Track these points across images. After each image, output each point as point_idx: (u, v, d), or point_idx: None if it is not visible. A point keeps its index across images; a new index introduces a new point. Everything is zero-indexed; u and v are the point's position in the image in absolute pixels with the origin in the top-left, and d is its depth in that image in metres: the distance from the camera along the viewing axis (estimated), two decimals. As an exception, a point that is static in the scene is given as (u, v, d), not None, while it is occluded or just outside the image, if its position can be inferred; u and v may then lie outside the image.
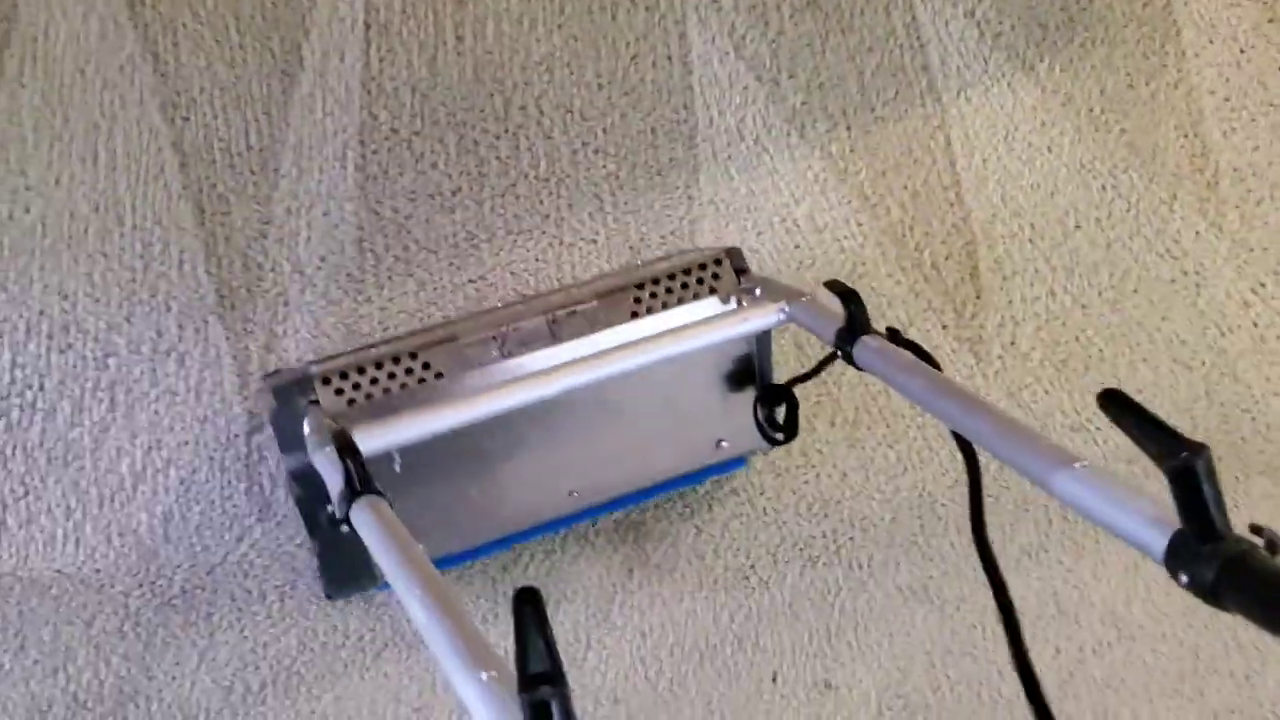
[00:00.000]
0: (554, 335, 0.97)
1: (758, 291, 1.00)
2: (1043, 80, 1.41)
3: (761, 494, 1.20)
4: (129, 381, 1.10)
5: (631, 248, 1.26)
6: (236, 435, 1.11)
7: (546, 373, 0.91)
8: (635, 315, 0.99)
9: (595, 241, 1.26)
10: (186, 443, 1.10)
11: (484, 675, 0.53)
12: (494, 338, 0.96)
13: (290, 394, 0.90)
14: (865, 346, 0.87)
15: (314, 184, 1.16)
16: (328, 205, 1.16)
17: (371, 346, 0.98)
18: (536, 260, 1.23)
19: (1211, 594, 0.58)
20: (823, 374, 1.00)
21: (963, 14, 1.38)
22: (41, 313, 1.10)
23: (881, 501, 1.24)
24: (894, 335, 0.86)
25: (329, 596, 1.03)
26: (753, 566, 1.17)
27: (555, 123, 1.27)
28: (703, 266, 1.01)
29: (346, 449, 0.78)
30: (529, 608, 0.50)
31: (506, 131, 1.25)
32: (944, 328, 1.36)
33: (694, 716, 1.07)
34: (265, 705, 1.04)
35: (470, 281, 1.19)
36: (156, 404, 1.11)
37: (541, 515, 1.03)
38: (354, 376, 0.91)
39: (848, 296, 0.89)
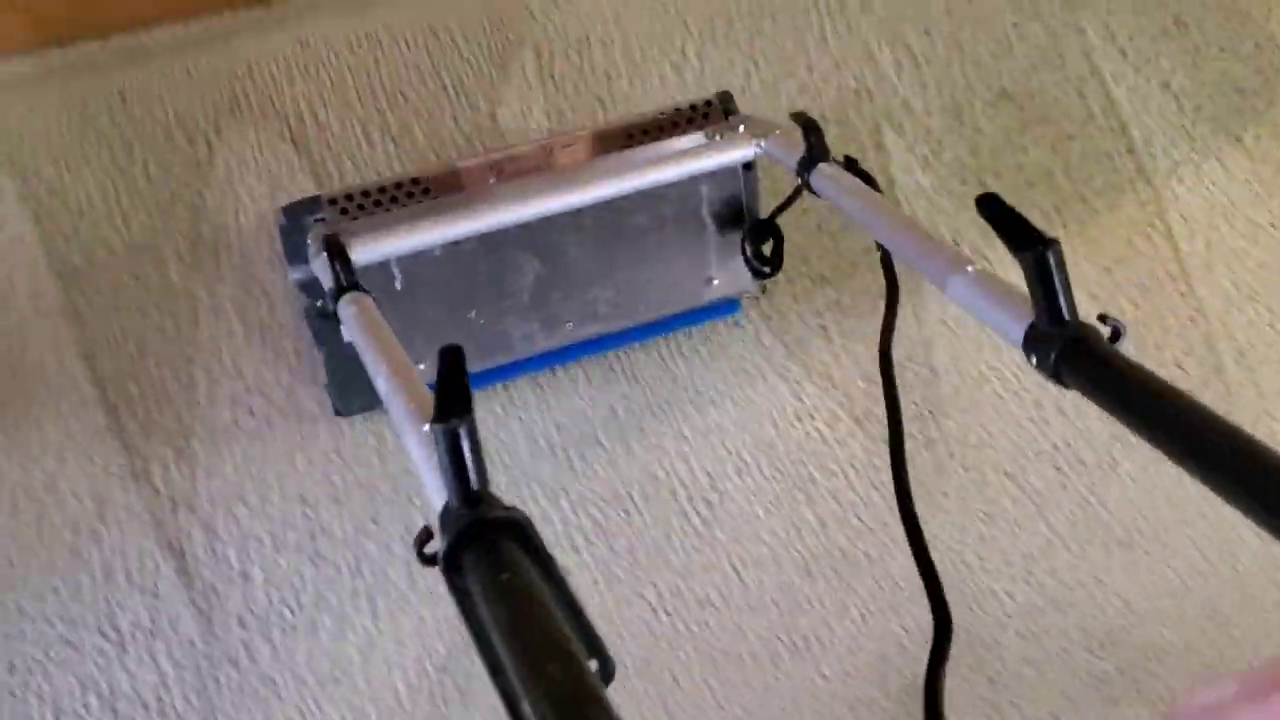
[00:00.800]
0: (549, 164, 1.00)
1: (741, 128, 1.03)
2: (1250, 149, 1.31)
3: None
4: (386, 587, 0.95)
5: (865, 378, 1.13)
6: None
7: (538, 190, 0.96)
8: (627, 148, 1.03)
9: (829, 376, 1.12)
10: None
11: (425, 427, 0.59)
12: (491, 166, 0.99)
13: (297, 212, 0.95)
14: (820, 173, 0.92)
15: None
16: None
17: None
18: (767, 407, 1.10)
19: (1055, 374, 0.65)
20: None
21: (1158, 88, 1.29)
22: (285, 523, 0.95)
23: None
24: (850, 163, 0.92)
25: (337, 412, 1.03)
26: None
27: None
28: (693, 108, 1.04)
29: (335, 251, 0.85)
30: (450, 359, 0.57)
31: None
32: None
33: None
34: None
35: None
36: (420, 609, 0.96)
37: (537, 344, 1.05)
38: (358, 199, 0.96)
39: (808, 127, 0.93)
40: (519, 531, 0.54)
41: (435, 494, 0.58)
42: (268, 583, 0.95)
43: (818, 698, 1.04)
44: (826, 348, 1.14)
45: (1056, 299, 0.64)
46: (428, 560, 0.56)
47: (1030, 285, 0.65)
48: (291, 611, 0.94)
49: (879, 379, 1.07)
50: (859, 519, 1.09)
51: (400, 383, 0.70)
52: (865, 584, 1.07)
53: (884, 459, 1.07)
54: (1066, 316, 0.65)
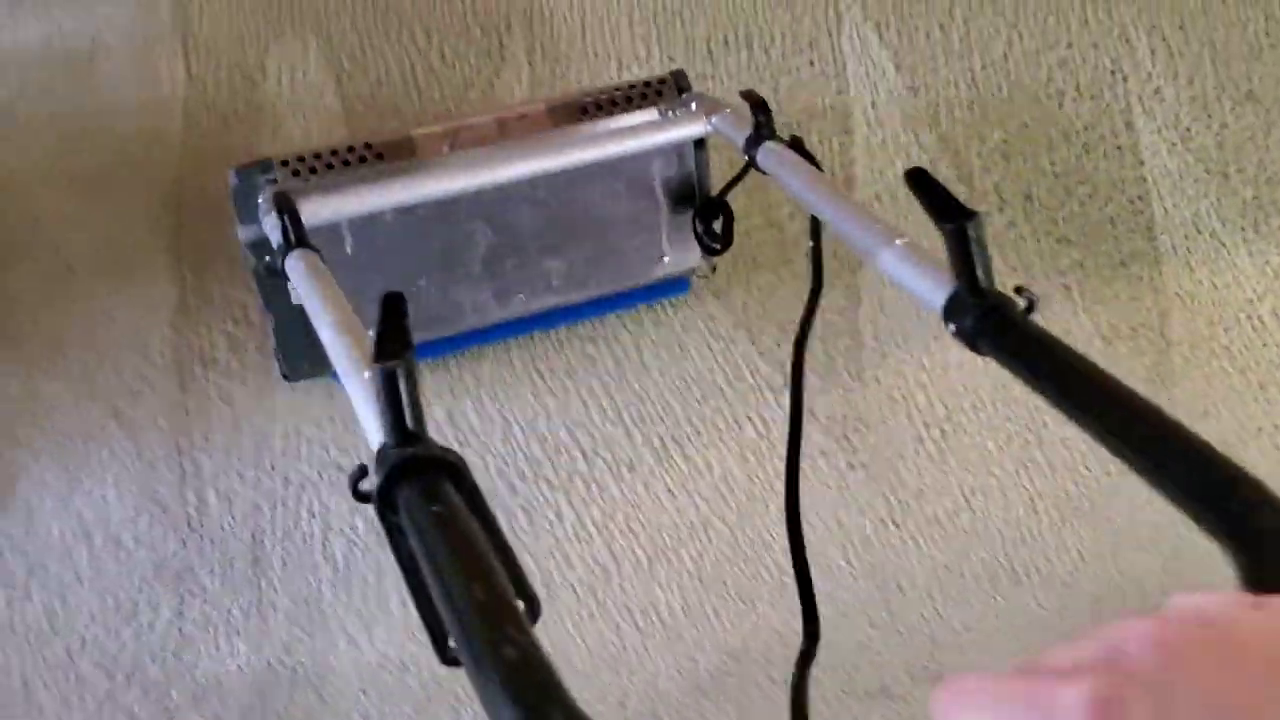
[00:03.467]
0: (501, 135, 1.00)
1: (693, 106, 1.02)
2: None
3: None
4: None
5: (1102, 337, 1.18)
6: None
7: (489, 159, 0.96)
8: (579, 120, 1.02)
9: (1069, 333, 1.17)
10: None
11: (366, 373, 0.63)
12: (445, 135, 0.99)
13: (250, 173, 0.94)
14: (766, 150, 0.92)
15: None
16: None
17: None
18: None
19: (971, 342, 0.66)
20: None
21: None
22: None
23: None
24: (795, 142, 0.91)
25: (286, 378, 1.04)
26: None
27: (1018, 211, 1.21)
28: (647, 84, 1.04)
29: (285, 208, 0.85)
30: (391, 304, 0.58)
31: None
32: None
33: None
34: None
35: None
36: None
37: (489, 315, 1.05)
38: (310, 161, 0.96)
39: (757, 106, 0.93)
40: (453, 470, 0.55)
41: (373, 434, 0.59)
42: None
43: (1031, 624, 1.09)
44: (1068, 304, 1.19)
45: (974, 270, 0.65)
46: (361, 497, 0.56)
47: (951, 256, 0.66)
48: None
49: (1113, 339, 1.13)
50: (1085, 467, 1.14)
51: (344, 331, 0.71)
52: (1086, 527, 1.12)
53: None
54: (984, 286, 0.65)
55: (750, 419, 1.11)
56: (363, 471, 0.58)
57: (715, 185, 1.06)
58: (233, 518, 1.03)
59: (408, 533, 0.53)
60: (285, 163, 0.95)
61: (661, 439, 1.10)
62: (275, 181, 0.94)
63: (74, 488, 1.02)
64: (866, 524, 1.10)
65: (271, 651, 1.02)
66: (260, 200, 0.93)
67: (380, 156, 0.96)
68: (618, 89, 1.03)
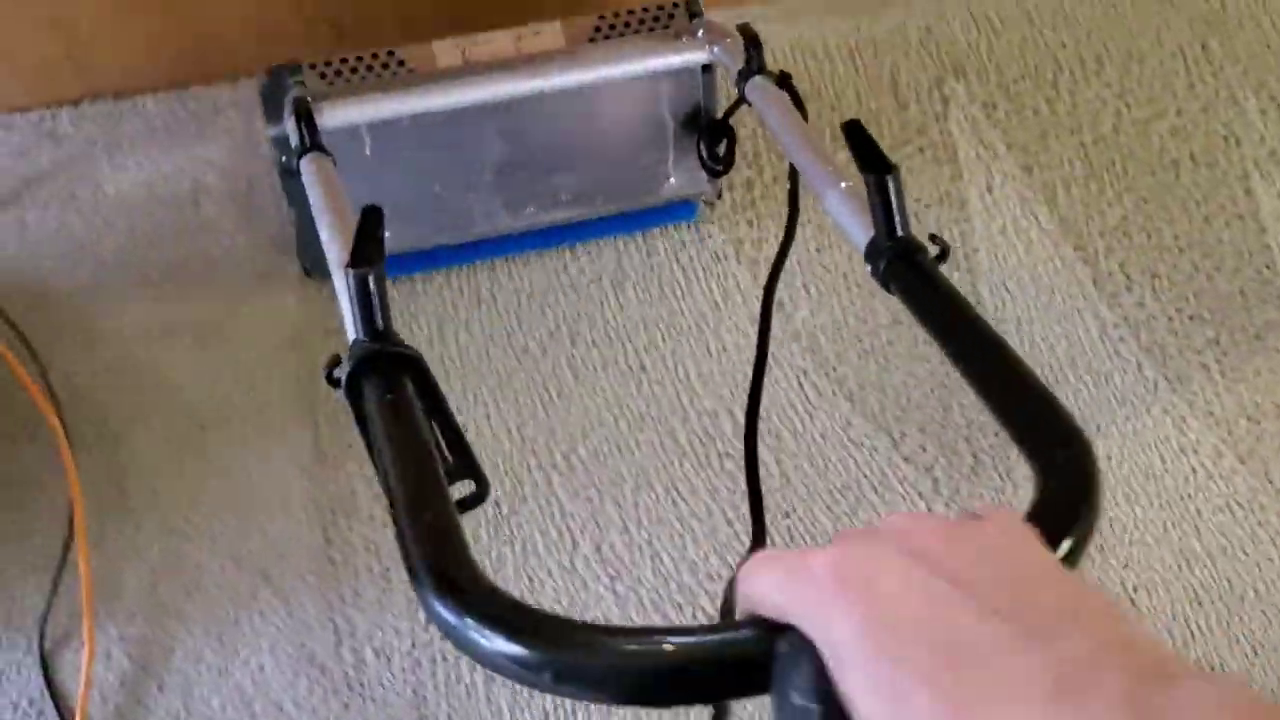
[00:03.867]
0: (517, 50, 1.04)
1: (700, 33, 1.05)
2: None
3: None
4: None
5: (1248, 417, 1.16)
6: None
7: (501, 74, 1.01)
8: (593, 40, 1.06)
9: (1212, 414, 1.15)
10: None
11: (352, 272, 0.65)
12: (462, 50, 1.03)
13: (280, 73, 0.99)
14: (753, 84, 0.96)
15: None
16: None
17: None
18: (1152, 439, 1.13)
19: (884, 282, 0.72)
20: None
21: None
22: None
23: None
24: (783, 78, 0.96)
25: (306, 272, 1.10)
26: None
27: (1145, 289, 1.19)
28: (660, 8, 1.07)
29: (303, 113, 0.90)
30: (369, 217, 0.64)
31: (1100, 300, 1.17)
32: None
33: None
34: None
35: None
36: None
37: (499, 224, 1.09)
38: (337, 65, 1.00)
39: (750, 40, 0.97)
40: (412, 365, 0.62)
41: (350, 329, 0.66)
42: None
43: None
44: (1209, 383, 1.16)
45: (892, 217, 0.71)
46: (333, 382, 0.64)
47: (871, 203, 0.72)
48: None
49: (1258, 419, 1.11)
50: (1244, 553, 1.12)
51: (337, 233, 0.79)
52: (1255, 617, 1.09)
53: (1270, 498, 1.10)
54: (900, 233, 0.71)
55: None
56: (336, 360, 0.64)
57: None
58: (392, 674, 1.01)
59: (369, 417, 0.60)
60: (314, 66, 1.00)
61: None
62: (303, 84, 0.98)
63: (229, 657, 1.00)
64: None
65: (444, 808, 1.00)
66: (285, 102, 0.97)
67: (402, 64, 1.02)
68: (631, 12, 1.07)
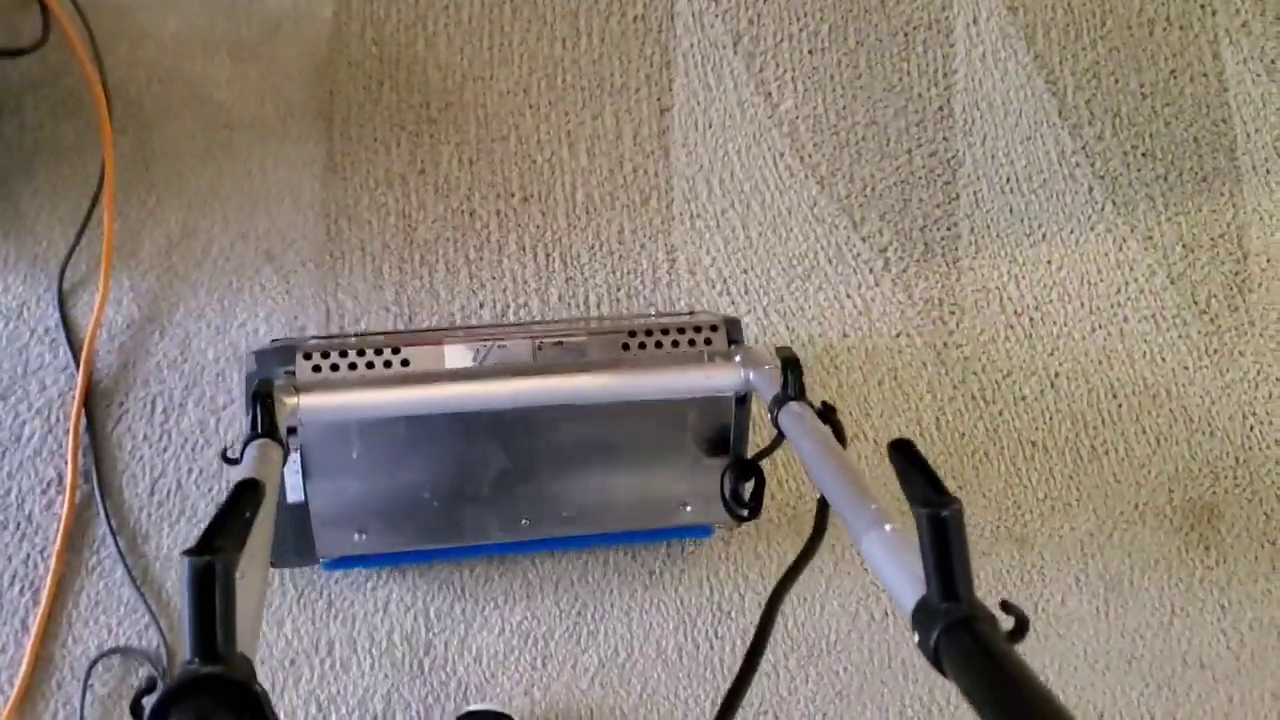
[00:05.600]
0: (535, 356, 0.94)
1: (738, 359, 0.94)
2: None
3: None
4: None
5: (1184, 245, 1.25)
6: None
7: (515, 389, 0.90)
8: (626, 348, 0.96)
9: (1150, 239, 1.24)
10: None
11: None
12: (475, 351, 0.93)
13: (268, 361, 0.92)
14: (788, 411, 0.83)
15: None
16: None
17: (360, 334, 1.02)
18: (1092, 252, 1.22)
19: (934, 659, 0.52)
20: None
21: None
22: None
23: None
24: (826, 409, 0.82)
25: (272, 564, 1.01)
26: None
27: (1106, 125, 1.28)
28: (697, 329, 0.96)
29: (261, 396, 0.79)
30: (244, 493, 0.55)
31: (1063, 129, 1.26)
32: None
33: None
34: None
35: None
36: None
37: (489, 535, 0.98)
38: (334, 357, 0.91)
39: (788, 363, 0.85)
40: (252, 706, 0.48)
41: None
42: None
43: (1109, 495, 1.16)
44: (1151, 212, 1.26)
45: (950, 570, 0.53)
46: (136, 714, 0.50)
47: (923, 551, 0.54)
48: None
49: (1193, 247, 1.19)
50: (1162, 359, 1.21)
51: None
52: (1163, 414, 1.19)
53: (1193, 316, 1.19)
54: (958, 592, 0.53)
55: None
56: (151, 684, 0.51)
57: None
58: (371, 355, 1.11)
59: None
60: (308, 355, 0.91)
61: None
62: (292, 373, 0.90)
63: (229, 318, 1.11)
64: (958, 397, 1.17)
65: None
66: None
67: (405, 363, 0.92)
68: (664, 331, 0.96)
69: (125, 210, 1.13)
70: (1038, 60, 1.31)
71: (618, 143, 1.20)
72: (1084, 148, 1.27)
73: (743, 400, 0.96)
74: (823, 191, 1.22)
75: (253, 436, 0.78)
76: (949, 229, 1.22)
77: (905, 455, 0.58)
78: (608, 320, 1.02)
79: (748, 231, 1.19)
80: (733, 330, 0.96)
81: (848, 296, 1.18)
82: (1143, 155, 1.27)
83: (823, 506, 0.81)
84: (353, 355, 0.91)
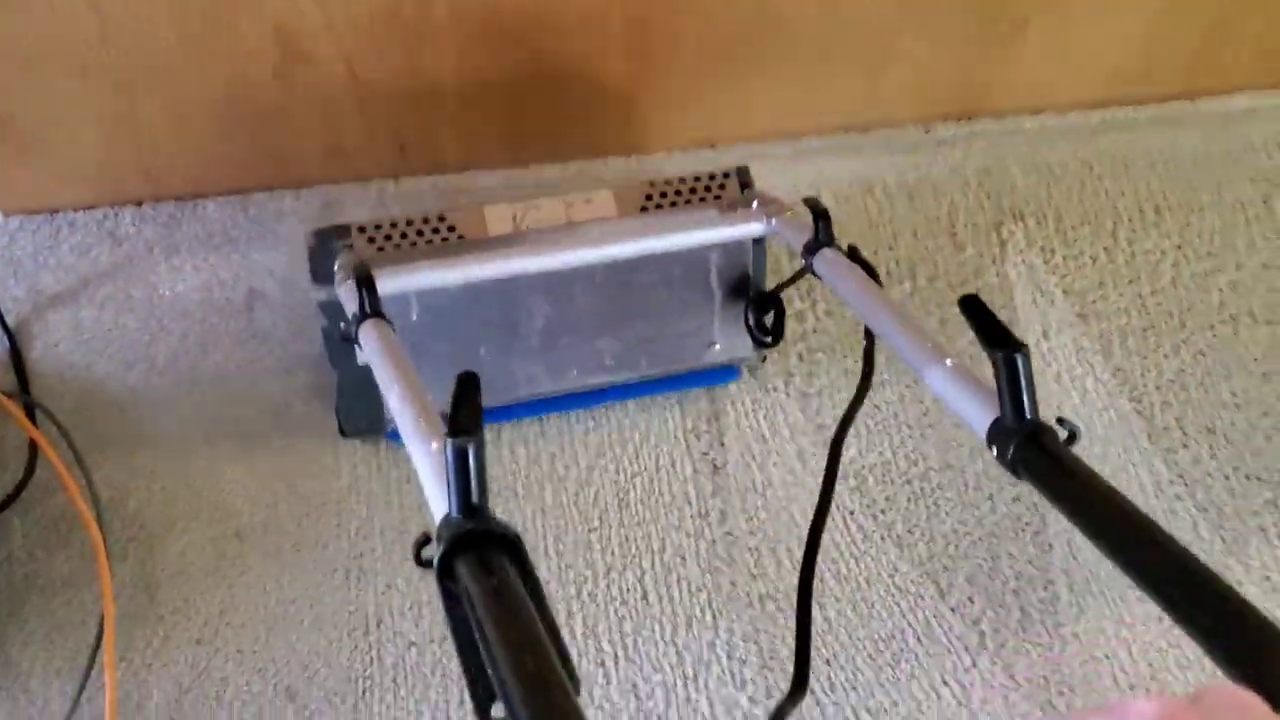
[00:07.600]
0: (568, 218, 1.04)
1: (754, 205, 1.05)
2: None
3: None
4: None
5: (1305, 584, 1.12)
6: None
7: (554, 244, 1.01)
8: (644, 210, 1.06)
9: (1269, 579, 1.12)
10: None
11: (434, 445, 0.68)
12: (513, 216, 1.03)
13: (328, 236, 0.99)
14: (823, 258, 0.95)
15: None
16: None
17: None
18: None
19: (1011, 467, 0.68)
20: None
21: None
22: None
23: None
24: (852, 251, 0.93)
25: (342, 434, 1.09)
26: None
27: (1202, 445, 1.16)
28: (711, 177, 1.07)
29: (363, 279, 0.88)
30: (466, 383, 0.61)
31: (1155, 454, 1.15)
32: None
33: None
34: None
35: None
36: None
37: (541, 387, 1.09)
38: (386, 229, 1.00)
39: (818, 212, 0.95)
40: (511, 546, 0.58)
41: (437, 504, 0.63)
42: None
43: None
44: (1266, 546, 1.13)
45: (1021, 398, 0.68)
46: (424, 563, 0.60)
47: (999, 383, 0.68)
48: None
49: None
50: None
51: (413, 403, 0.75)
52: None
53: None
54: (1028, 415, 0.68)
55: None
56: (425, 539, 0.61)
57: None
58: (414, 807, 0.98)
59: (465, 601, 0.56)
60: (362, 229, 1.00)
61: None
62: (351, 247, 0.98)
63: (250, 777, 0.98)
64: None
65: None
66: (336, 266, 0.97)
67: (452, 229, 1.02)
68: (683, 181, 1.07)
69: (129, 654, 1.01)
70: (1118, 375, 1.20)
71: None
72: (1181, 475, 1.15)
73: (759, 241, 1.08)
74: (902, 555, 1.10)
75: (363, 317, 0.87)
76: (1045, 587, 1.10)
77: (974, 308, 0.70)
78: (625, 185, 1.09)
79: (824, 612, 1.07)
80: (743, 177, 1.07)
81: (944, 684, 1.05)
82: (1246, 478, 1.16)
83: (870, 346, 0.91)
84: (403, 226, 1.00)
